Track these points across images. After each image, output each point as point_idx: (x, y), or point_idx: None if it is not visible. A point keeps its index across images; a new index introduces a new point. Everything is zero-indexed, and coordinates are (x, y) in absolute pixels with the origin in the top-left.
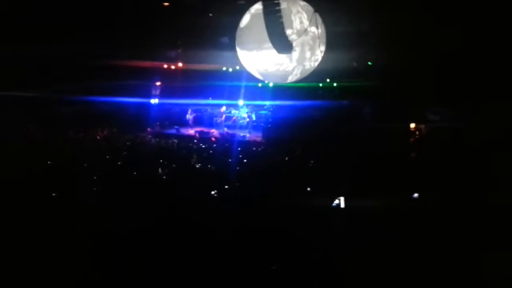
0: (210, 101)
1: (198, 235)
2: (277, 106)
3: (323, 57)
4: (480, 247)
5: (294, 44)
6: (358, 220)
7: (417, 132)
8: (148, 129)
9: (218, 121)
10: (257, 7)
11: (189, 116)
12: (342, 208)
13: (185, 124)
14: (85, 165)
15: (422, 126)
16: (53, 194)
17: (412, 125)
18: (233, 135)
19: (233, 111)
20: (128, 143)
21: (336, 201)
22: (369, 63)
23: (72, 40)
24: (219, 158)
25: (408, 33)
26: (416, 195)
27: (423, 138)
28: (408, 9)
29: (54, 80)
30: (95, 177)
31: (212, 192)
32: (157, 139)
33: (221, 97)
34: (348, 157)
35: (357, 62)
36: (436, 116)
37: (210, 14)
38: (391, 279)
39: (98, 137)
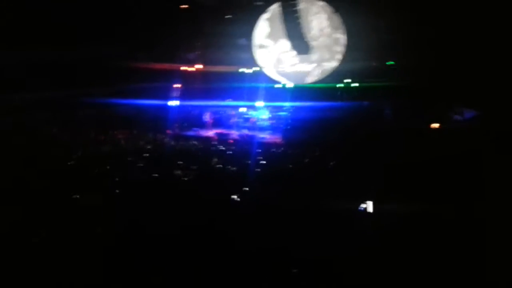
0: (229, 102)
1: (217, 238)
2: (296, 107)
3: (342, 58)
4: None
5: (313, 45)
6: (385, 225)
7: (440, 132)
8: (168, 131)
9: (236, 122)
10: (275, 8)
11: (208, 118)
12: (370, 213)
13: (204, 126)
14: (107, 167)
15: (446, 127)
16: (75, 196)
17: (436, 125)
18: (252, 137)
19: (252, 113)
20: (148, 145)
21: (363, 205)
22: (389, 63)
23: (92, 43)
24: (238, 160)
25: (428, 32)
26: (438, 198)
27: (446, 138)
28: (429, 8)
29: (75, 83)
30: (116, 179)
31: (232, 195)
32: (177, 141)
33: (240, 99)
34: (369, 159)
35: (377, 62)
36: (459, 115)
37: (228, 16)
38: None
39: (118, 139)
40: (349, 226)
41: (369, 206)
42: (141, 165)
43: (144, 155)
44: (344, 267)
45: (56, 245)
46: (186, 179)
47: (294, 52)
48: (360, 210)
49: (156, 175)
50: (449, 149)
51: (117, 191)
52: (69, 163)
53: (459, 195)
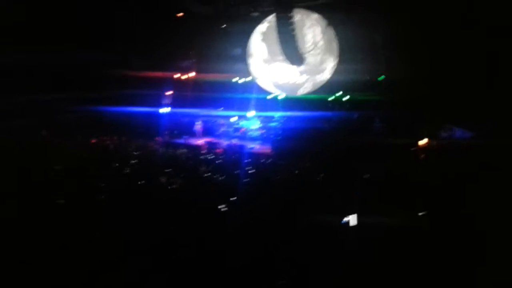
0: (220, 111)
1: (203, 247)
2: (287, 118)
3: (334, 70)
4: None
5: (306, 56)
6: (368, 238)
7: (428, 148)
8: (158, 138)
9: (226, 131)
10: (270, 19)
11: (199, 126)
12: (353, 226)
13: (195, 134)
14: (93, 172)
15: (434, 142)
16: (60, 201)
17: (424, 141)
18: (242, 147)
19: (243, 122)
20: (136, 152)
21: (347, 218)
22: (381, 77)
23: (85, 49)
24: (227, 169)
25: (421, 47)
26: (424, 212)
27: (434, 154)
28: (422, 23)
29: (66, 88)
30: (103, 184)
31: (219, 205)
32: (166, 149)
33: (231, 108)
34: (358, 172)
35: (369, 76)
36: (448, 132)
37: (223, 25)
38: None
39: (107, 145)
40: (335, 239)
41: (353, 219)
42: (128, 171)
43: (132, 161)
44: (329, 279)
45: (41, 252)
46: (173, 187)
47: (287, 64)
48: (344, 223)
49: (143, 182)
50: (434, 165)
51: (103, 197)
52: (55, 168)
53: (443, 208)
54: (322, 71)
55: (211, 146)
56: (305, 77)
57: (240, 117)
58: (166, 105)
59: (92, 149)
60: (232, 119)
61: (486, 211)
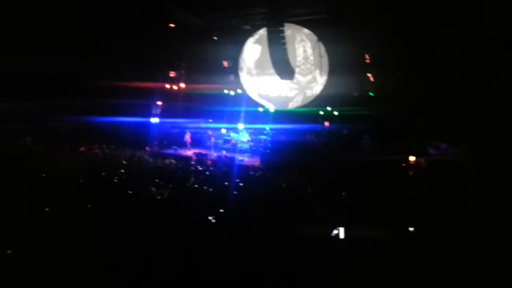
0: (210, 123)
1: (190, 258)
2: (276, 131)
3: (324, 86)
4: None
5: (296, 71)
6: (356, 251)
7: (416, 164)
8: (147, 148)
9: (215, 143)
10: (262, 33)
11: (188, 137)
12: (341, 239)
13: (184, 145)
14: (81, 180)
15: (422, 159)
16: (46, 210)
17: (412, 158)
18: (231, 159)
19: (233, 134)
20: (125, 161)
21: (335, 231)
22: (370, 93)
23: (75, 58)
24: (216, 181)
25: (410, 64)
26: (412, 228)
27: (421, 170)
28: (411, 40)
29: (56, 97)
30: (90, 194)
31: (207, 217)
32: (155, 159)
33: (221, 120)
34: (346, 186)
35: (358, 92)
36: (436, 149)
37: (215, 38)
38: None
39: (95, 154)
40: (324, 251)
41: (341, 232)
42: (117, 181)
43: (120, 171)
44: None
45: (25, 261)
46: (161, 197)
47: (278, 77)
48: (333, 236)
49: (132, 192)
50: (422, 180)
51: (89, 206)
52: (42, 176)
53: (430, 222)
54: (312, 85)
55: (200, 158)
56: (295, 91)
57: (230, 129)
58: (156, 116)
59: (80, 158)
60: (222, 131)
61: (472, 225)
